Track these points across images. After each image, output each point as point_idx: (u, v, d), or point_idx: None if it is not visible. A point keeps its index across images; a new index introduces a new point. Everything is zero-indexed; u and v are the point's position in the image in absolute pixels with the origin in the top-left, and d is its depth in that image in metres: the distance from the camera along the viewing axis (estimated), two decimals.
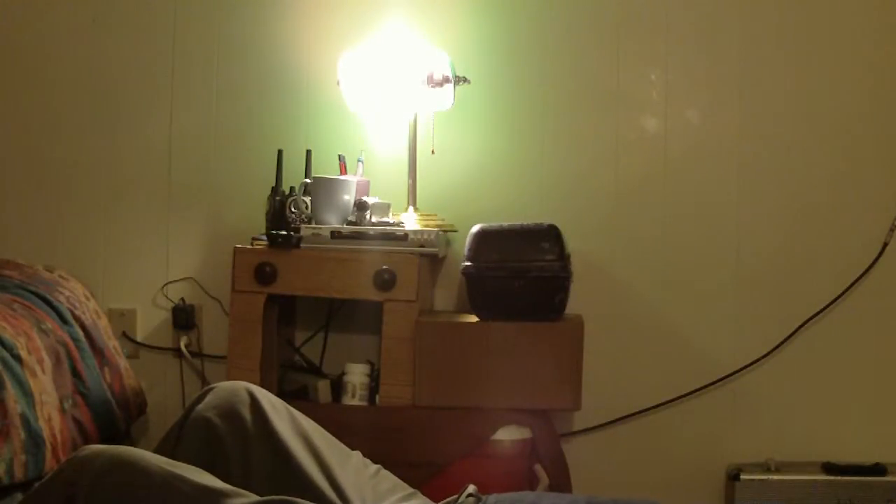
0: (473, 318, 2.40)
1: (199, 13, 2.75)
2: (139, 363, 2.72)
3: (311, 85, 2.71)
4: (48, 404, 2.02)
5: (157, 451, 1.82)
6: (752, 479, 2.47)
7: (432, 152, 2.57)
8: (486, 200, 2.66)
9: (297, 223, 2.44)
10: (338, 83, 2.54)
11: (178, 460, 1.72)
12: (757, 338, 2.61)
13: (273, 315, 2.47)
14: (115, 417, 2.32)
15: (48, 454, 1.96)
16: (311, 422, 1.96)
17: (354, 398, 2.41)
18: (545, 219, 2.42)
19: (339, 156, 2.57)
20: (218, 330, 2.66)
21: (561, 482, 2.36)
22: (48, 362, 2.10)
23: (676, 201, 2.65)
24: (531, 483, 2.37)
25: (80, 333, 2.30)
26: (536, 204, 2.64)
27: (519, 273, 2.34)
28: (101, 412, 2.25)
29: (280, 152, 2.51)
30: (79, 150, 2.78)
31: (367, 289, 2.38)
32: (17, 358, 1.97)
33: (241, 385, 1.92)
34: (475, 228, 2.41)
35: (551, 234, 2.37)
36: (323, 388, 2.49)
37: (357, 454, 2.00)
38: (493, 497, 1.85)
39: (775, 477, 2.46)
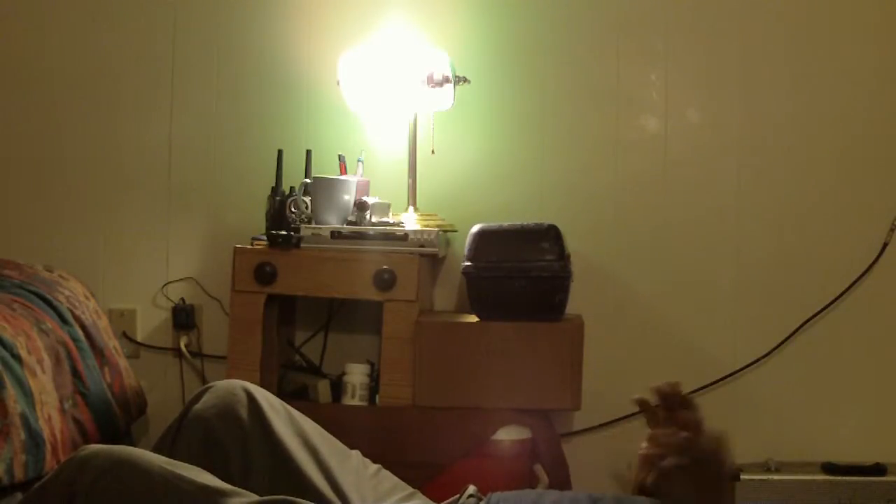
0: (473, 318, 2.40)
1: (199, 13, 2.75)
2: (139, 363, 2.72)
3: (311, 85, 2.71)
4: (48, 404, 2.02)
5: (154, 450, 1.82)
6: (752, 479, 2.47)
7: (432, 152, 2.57)
8: (486, 200, 2.66)
9: (297, 223, 2.44)
10: (338, 83, 2.54)
11: (176, 460, 1.72)
12: (757, 338, 2.61)
13: (273, 315, 2.47)
14: (115, 417, 2.32)
15: (48, 454, 1.95)
16: (310, 421, 1.95)
17: (354, 398, 2.41)
18: (545, 219, 2.42)
19: (339, 156, 2.57)
20: (218, 330, 2.66)
21: (561, 482, 2.36)
22: (48, 362, 2.09)
23: (676, 201, 2.65)
24: (531, 483, 2.37)
25: (80, 333, 2.29)
26: (536, 204, 2.64)
27: (519, 273, 2.34)
28: (101, 412, 2.25)
29: (280, 152, 2.51)
30: (79, 150, 2.78)
31: (367, 289, 2.38)
32: (17, 358, 1.96)
33: (239, 384, 1.92)
34: (475, 228, 2.42)
35: (551, 234, 2.37)
36: (323, 388, 2.49)
37: (356, 454, 2.00)
38: (495, 496, 1.85)
39: (775, 477, 2.46)
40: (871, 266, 2.59)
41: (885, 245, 2.58)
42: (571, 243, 2.44)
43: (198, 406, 1.89)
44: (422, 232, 2.41)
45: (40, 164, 2.79)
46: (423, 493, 2.02)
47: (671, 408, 1.93)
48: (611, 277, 2.66)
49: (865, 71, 2.61)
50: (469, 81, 2.53)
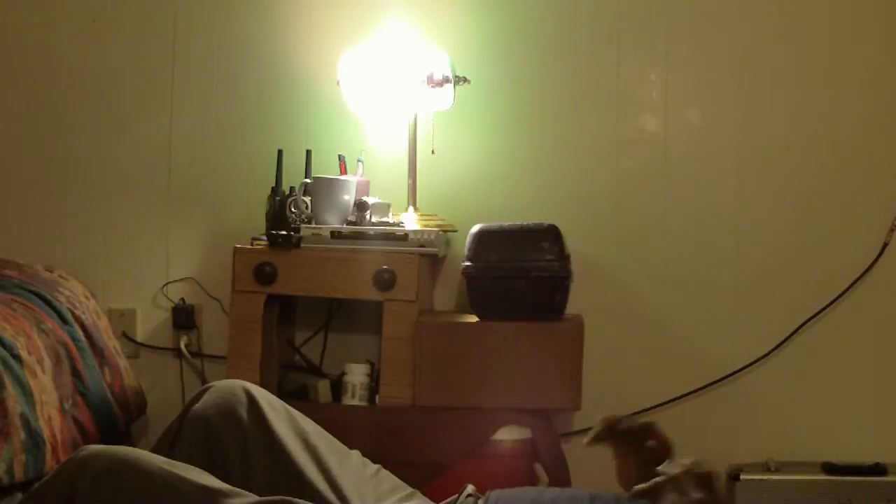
0: (473, 318, 2.40)
1: (199, 13, 2.75)
2: (139, 363, 2.72)
3: (311, 85, 2.70)
4: (48, 404, 2.02)
5: (154, 450, 1.82)
6: (752, 479, 2.47)
7: (432, 152, 2.57)
8: (486, 200, 2.66)
9: (297, 223, 2.44)
10: (338, 83, 2.54)
11: (176, 460, 1.72)
12: (757, 338, 2.61)
13: (273, 315, 2.47)
14: (115, 417, 2.32)
15: (48, 454, 1.95)
16: (310, 421, 1.96)
17: (354, 398, 2.41)
18: (545, 219, 2.42)
19: (339, 156, 2.57)
20: (218, 330, 2.66)
21: (561, 482, 2.36)
22: (48, 362, 2.10)
23: (676, 201, 2.65)
24: (531, 483, 2.36)
25: (80, 333, 2.30)
26: (536, 204, 2.64)
27: (519, 273, 2.34)
28: (101, 412, 2.25)
29: (280, 152, 2.51)
30: (79, 150, 2.78)
31: (367, 289, 2.38)
32: (17, 358, 1.97)
33: (239, 384, 1.92)
34: (475, 228, 2.41)
35: (551, 234, 2.36)
36: (323, 388, 2.49)
37: (356, 453, 2.00)
38: (494, 493, 1.85)
39: (775, 477, 2.46)
40: (871, 266, 2.58)
41: (885, 245, 2.58)
42: (571, 243, 2.44)
43: (198, 406, 1.89)
44: (422, 232, 2.41)
45: (40, 164, 2.79)
46: (423, 493, 2.02)
47: (634, 440, 1.78)
48: (611, 277, 2.66)
49: (865, 71, 2.60)
50: (469, 81, 2.53)
